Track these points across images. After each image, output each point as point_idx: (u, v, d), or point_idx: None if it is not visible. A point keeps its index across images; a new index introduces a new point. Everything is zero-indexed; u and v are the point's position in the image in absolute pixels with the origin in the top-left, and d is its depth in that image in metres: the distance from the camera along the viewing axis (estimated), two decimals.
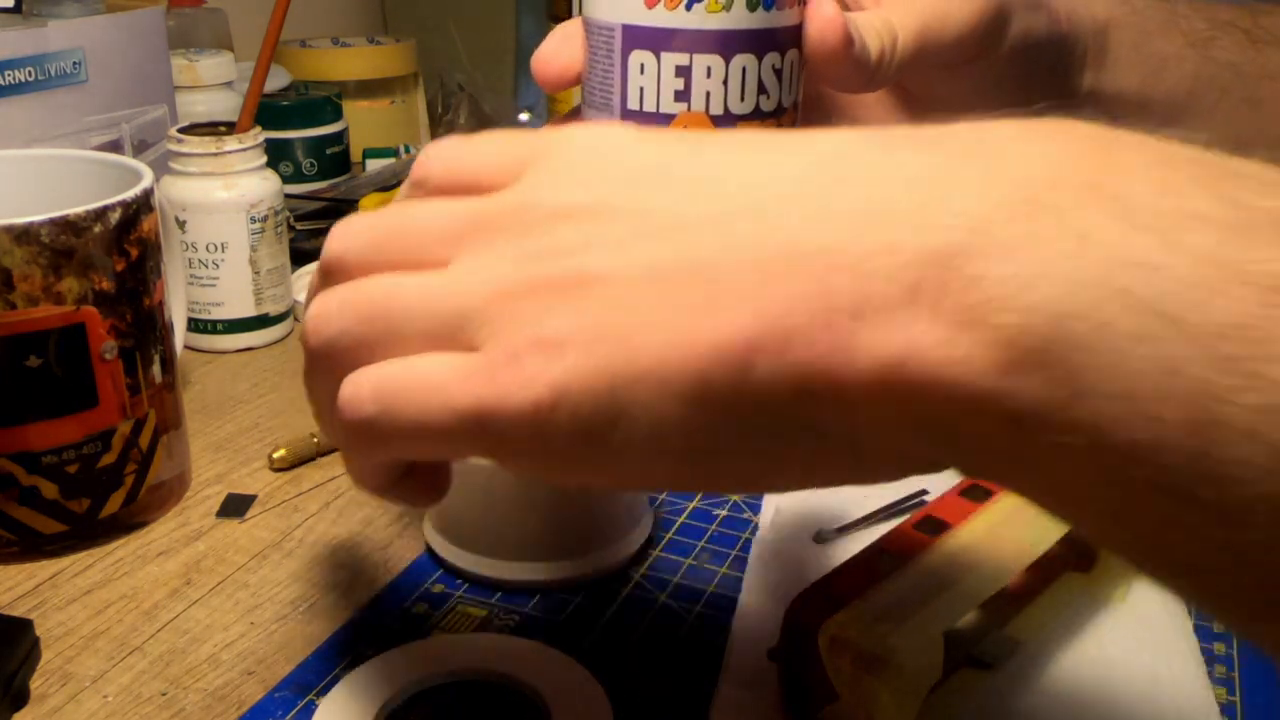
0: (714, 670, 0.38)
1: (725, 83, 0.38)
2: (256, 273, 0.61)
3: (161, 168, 0.64)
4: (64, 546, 0.44)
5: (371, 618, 0.40)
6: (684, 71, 0.38)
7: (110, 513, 0.45)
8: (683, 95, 0.38)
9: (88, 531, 0.45)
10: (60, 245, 0.41)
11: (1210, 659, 0.38)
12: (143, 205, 0.44)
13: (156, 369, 0.45)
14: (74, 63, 0.62)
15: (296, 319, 0.67)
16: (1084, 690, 0.37)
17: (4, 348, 0.41)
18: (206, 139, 0.59)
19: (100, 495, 0.44)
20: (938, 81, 0.41)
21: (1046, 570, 0.42)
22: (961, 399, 0.21)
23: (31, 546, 0.44)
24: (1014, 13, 0.40)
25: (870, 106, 0.43)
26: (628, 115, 0.39)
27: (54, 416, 0.43)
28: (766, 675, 0.37)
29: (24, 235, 0.40)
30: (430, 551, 0.44)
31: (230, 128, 0.61)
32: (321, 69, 0.98)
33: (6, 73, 0.59)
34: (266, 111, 0.85)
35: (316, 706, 0.36)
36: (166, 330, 0.46)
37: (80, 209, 0.41)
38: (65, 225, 0.41)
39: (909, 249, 0.21)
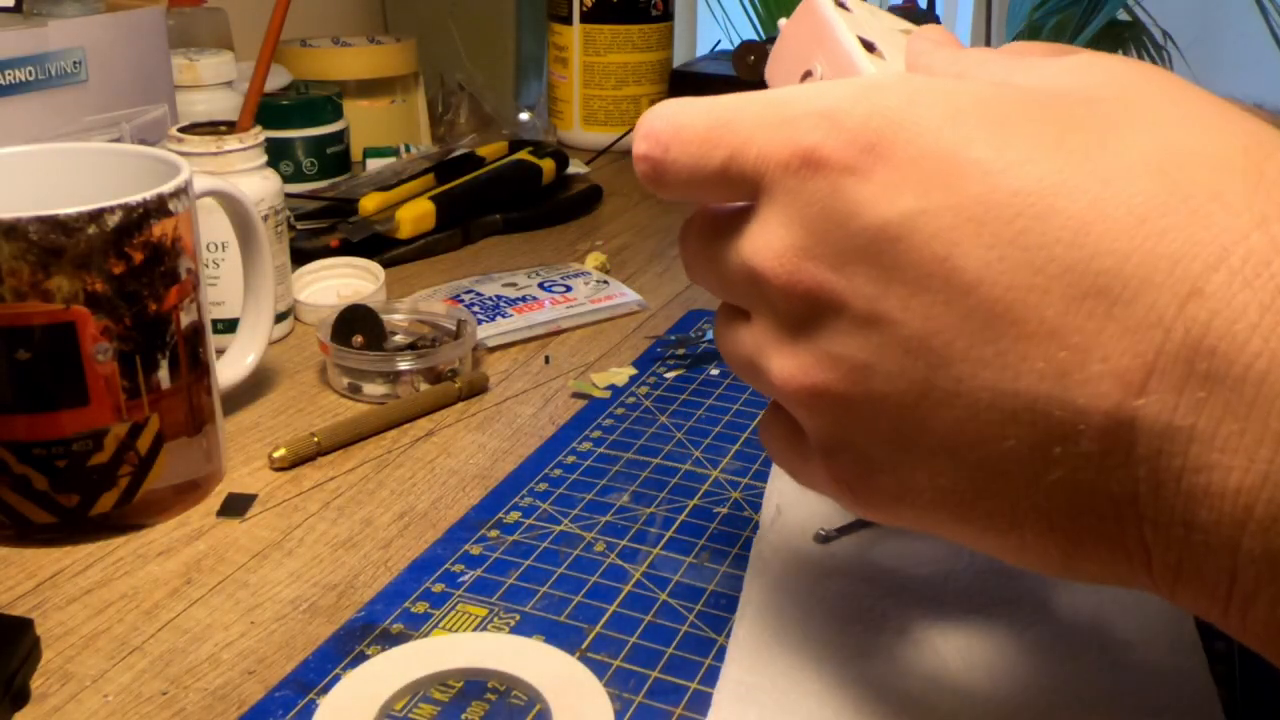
0: (714, 670, 0.38)
1: None
2: None
3: None
4: (55, 537, 0.45)
5: (371, 618, 0.40)
6: None
7: (101, 511, 0.45)
8: None
9: (77, 526, 0.45)
10: (49, 244, 0.41)
11: (1211, 659, 0.38)
12: (154, 210, 0.44)
13: (164, 374, 0.45)
14: (74, 62, 0.62)
15: (297, 318, 0.67)
16: (1086, 687, 0.37)
17: None
18: (207, 138, 0.59)
19: (90, 493, 0.44)
20: None
21: None
22: None
23: (24, 532, 0.44)
24: None
25: None
26: None
27: (43, 411, 0.43)
28: (767, 676, 0.37)
29: (11, 231, 0.41)
30: (431, 550, 0.44)
31: (230, 127, 0.61)
32: (321, 68, 0.98)
33: (6, 72, 0.59)
34: (267, 111, 0.86)
35: (316, 706, 0.36)
36: (183, 336, 0.46)
37: (72, 209, 0.41)
38: (54, 224, 0.41)
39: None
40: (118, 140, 0.65)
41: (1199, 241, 0.23)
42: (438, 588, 0.42)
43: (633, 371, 0.60)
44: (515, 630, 0.40)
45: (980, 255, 0.25)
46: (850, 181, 0.26)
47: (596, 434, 0.54)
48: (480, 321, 0.64)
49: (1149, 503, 0.24)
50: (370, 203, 0.79)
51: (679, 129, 0.30)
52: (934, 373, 0.26)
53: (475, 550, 0.45)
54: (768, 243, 0.28)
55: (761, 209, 0.29)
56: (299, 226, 0.76)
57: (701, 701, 0.36)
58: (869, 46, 0.33)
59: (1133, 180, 0.24)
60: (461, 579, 0.43)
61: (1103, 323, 0.23)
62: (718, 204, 0.32)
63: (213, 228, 0.57)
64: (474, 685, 0.37)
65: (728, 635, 0.39)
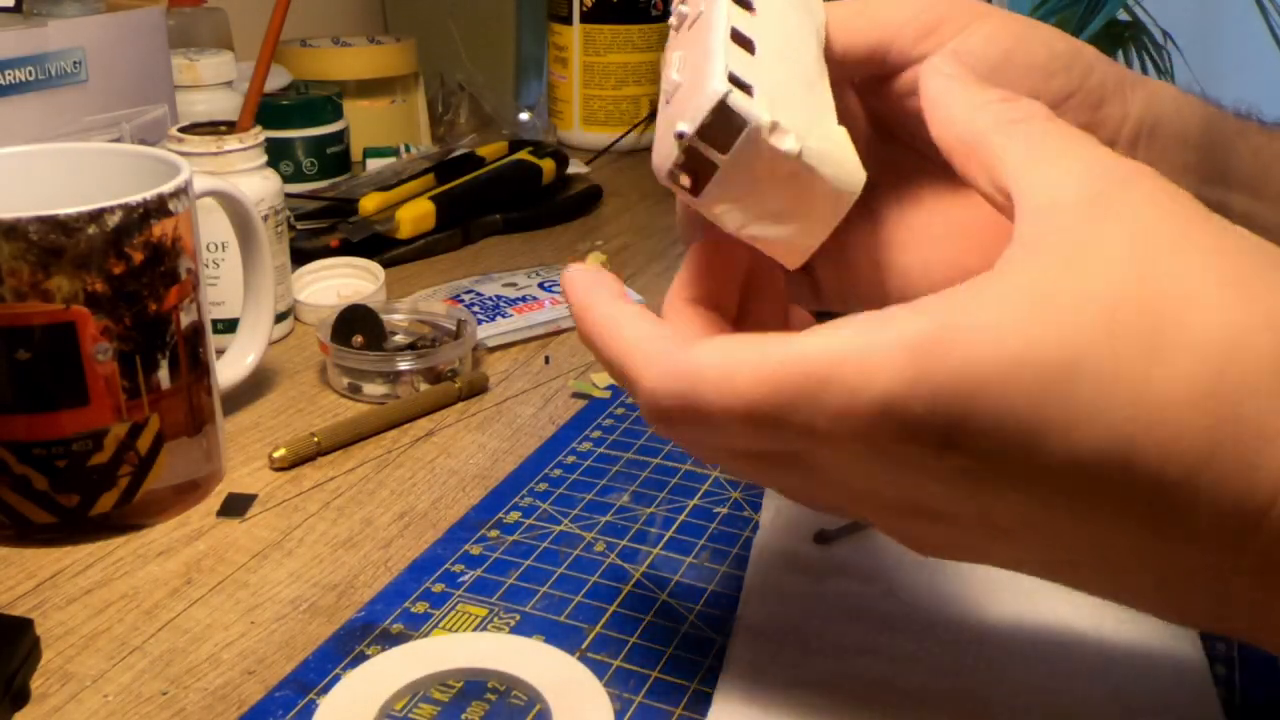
0: (714, 670, 0.38)
1: None
2: None
3: None
4: (55, 537, 0.45)
5: (371, 618, 0.40)
6: None
7: (101, 511, 0.45)
8: None
9: (77, 526, 0.45)
10: (49, 244, 0.41)
11: (1211, 659, 0.38)
12: (154, 210, 0.44)
13: (164, 374, 0.45)
14: (74, 62, 0.62)
15: (297, 318, 0.67)
16: (1086, 687, 0.37)
17: None
18: (207, 138, 0.59)
19: (90, 493, 0.44)
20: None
21: None
22: None
23: (24, 532, 0.44)
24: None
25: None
26: None
27: (43, 411, 0.43)
28: (767, 675, 0.37)
29: (11, 231, 0.41)
30: (431, 550, 0.44)
31: (230, 127, 0.61)
32: (321, 68, 0.98)
33: (6, 72, 0.59)
34: (267, 111, 0.85)
35: (316, 706, 0.36)
36: (183, 336, 0.46)
37: (72, 209, 0.41)
38: (54, 224, 0.41)
39: None
40: (118, 140, 0.65)
41: (1254, 492, 0.25)
42: (438, 588, 0.42)
43: None
44: (515, 630, 0.40)
45: (1069, 507, 0.26)
46: (939, 463, 0.27)
47: (596, 434, 0.54)
48: (480, 321, 0.64)
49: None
50: (370, 203, 0.79)
51: (716, 410, 0.28)
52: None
53: (475, 550, 0.45)
54: (867, 487, 0.29)
55: (846, 464, 0.28)
56: (299, 226, 0.76)
57: (701, 701, 0.36)
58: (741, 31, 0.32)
59: (1192, 420, 0.25)
60: (461, 579, 0.43)
61: (1180, 556, 0.27)
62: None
63: (213, 228, 0.57)
64: (474, 685, 0.37)
65: (728, 635, 0.39)
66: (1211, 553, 0.26)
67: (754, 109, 0.29)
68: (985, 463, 0.26)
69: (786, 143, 0.29)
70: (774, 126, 0.29)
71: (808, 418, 0.27)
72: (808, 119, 0.31)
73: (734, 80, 0.30)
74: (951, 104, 0.31)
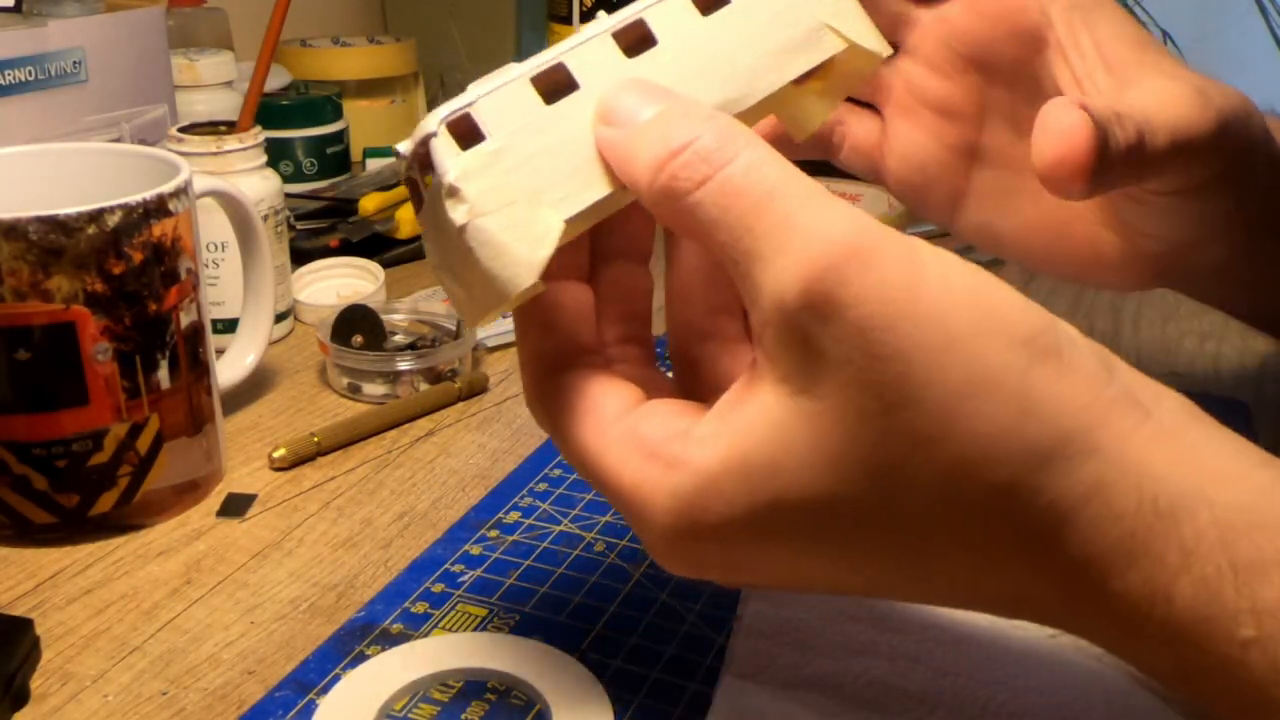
0: (714, 670, 0.38)
1: None
2: None
3: None
4: (55, 537, 0.45)
5: (371, 618, 0.40)
6: None
7: (101, 511, 0.45)
8: None
9: (77, 527, 0.45)
10: (49, 244, 0.41)
11: None
12: (154, 210, 0.44)
13: (163, 374, 0.45)
14: (74, 62, 0.62)
15: (297, 318, 0.67)
16: (1086, 686, 0.37)
17: None
18: (207, 138, 0.59)
19: (90, 493, 0.44)
20: (1162, 205, 0.38)
21: None
22: None
23: (24, 532, 0.44)
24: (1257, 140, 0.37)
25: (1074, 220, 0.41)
26: None
27: (42, 411, 0.43)
28: (767, 675, 0.37)
29: (11, 231, 0.41)
30: (430, 550, 0.44)
31: (230, 127, 0.61)
32: (321, 68, 0.98)
33: (6, 72, 0.59)
34: (267, 111, 0.85)
35: (316, 706, 0.36)
36: (183, 336, 0.46)
37: (72, 209, 0.41)
38: (54, 224, 0.41)
39: None
40: (118, 140, 0.65)
41: (1000, 592, 0.29)
42: (438, 588, 0.42)
43: None
44: (515, 630, 0.40)
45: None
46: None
47: None
48: None
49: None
50: (370, 203, 0.79)
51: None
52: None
53: (475, 550, 0.45)
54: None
55: None
56: (299, 226, 0.76)
57: (701, 701, 0.36)
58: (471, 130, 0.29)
59: (950, 542, 0.27)
60: (461, 579, 0.43)
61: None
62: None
63: (213, 228, 0.57)
64: (474, 685, 0.37)
65: (728, 635, 0.39)
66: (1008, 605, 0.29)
67: (448, 162, 0.28)
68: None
69: (456, 211, 0.28)
70: (452, 190, 0.28)
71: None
72: (519, 198, 0.28)
73: (464, 125, 0.28)
74: (629, 161, 0.29)
